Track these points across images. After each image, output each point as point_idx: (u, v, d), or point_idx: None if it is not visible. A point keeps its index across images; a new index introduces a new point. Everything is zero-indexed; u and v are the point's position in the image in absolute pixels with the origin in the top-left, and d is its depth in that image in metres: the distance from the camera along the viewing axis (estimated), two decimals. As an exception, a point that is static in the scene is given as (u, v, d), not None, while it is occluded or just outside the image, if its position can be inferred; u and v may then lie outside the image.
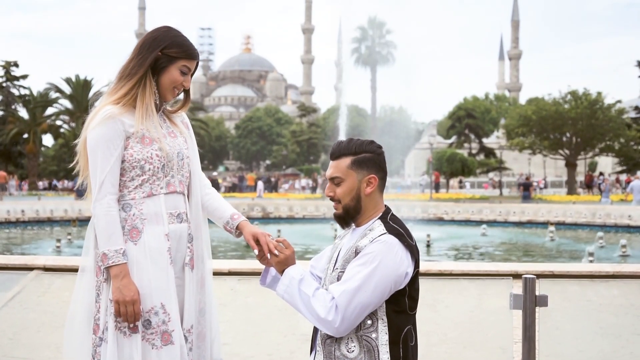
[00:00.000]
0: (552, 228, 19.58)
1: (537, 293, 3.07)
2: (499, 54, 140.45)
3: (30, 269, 5.32)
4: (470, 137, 69.42)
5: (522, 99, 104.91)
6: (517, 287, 4.75)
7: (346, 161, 2.66)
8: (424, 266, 5.28)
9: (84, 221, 22.14)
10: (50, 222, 23.88)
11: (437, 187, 49.43)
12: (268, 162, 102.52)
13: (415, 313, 2.63)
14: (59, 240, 15.63)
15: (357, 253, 2.57)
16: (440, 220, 25.63)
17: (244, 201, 29.07)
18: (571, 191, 46.70)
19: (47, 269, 5.29)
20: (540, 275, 5.01)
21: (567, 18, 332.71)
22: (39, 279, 5.20)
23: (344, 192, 2.66)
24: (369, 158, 2.67)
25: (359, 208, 2.67)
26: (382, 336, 2.54)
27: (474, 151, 67.68)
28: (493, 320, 4.75)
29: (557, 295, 4.84)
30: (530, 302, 3.06)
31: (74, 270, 5.15)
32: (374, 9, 72.33)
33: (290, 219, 26.46)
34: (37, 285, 5.13)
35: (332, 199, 2.70)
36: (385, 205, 2.72)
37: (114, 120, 2.71)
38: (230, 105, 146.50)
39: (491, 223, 23.76)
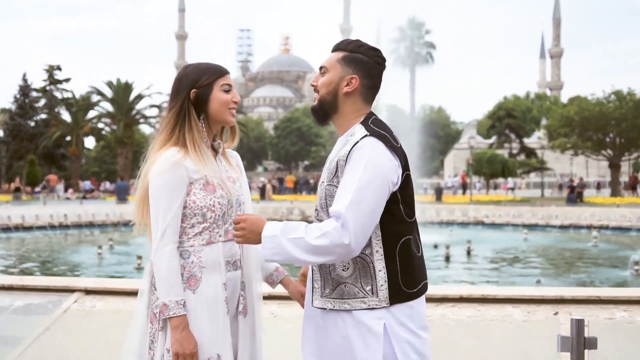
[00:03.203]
0: (595, 233, 19.22)
1: (586, 335, 2.97)
2: (540, 52, 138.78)
3: (71, 291, 5.34)
4: (510, 137, 68.58)
5: (564, 98, 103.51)
6: (564, 317, 4.64)
7: (338, 55, 2.64)
8: (466, 290, 5.20)
9: (125, 225, 22.41)
10: (92, 226, 24.22)
11: (464, 188, 49.21)
12: (307, 162, 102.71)
13: (413, 220, 2.54)
14: (100, 247, 15.78)
15: (338, 166, 2.50)
16: (480, 224, 25.35)
17: (282, 204, 29.04)
18: (615, 193, 45.88)
19: (88, 292, 5.31)
20: (586, 301, 4.88)
21: (610, 15, 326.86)
22: (80, 301, 5.22)
23: (323, 83, 2.63)
24: (361, 60, 2.60)
25: (334, 105, 2.61)
26: (376, 250, 2.47)
27: (514, 151, 66.84)
28: (539, 346, 4.63)
29: (604, 322, 4.70)
30: (578, 345, 2.96)
31: (116, 292, 5.21)
32: (413, 9, 71.89)
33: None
34: (79, 308, 5.15)
35: (315, 89, 2.67)
36: (370, 111, 2.64)
37: (178, 167, 2.67)
38: (269, 106, 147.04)
39: (532, 227, 23.40)
